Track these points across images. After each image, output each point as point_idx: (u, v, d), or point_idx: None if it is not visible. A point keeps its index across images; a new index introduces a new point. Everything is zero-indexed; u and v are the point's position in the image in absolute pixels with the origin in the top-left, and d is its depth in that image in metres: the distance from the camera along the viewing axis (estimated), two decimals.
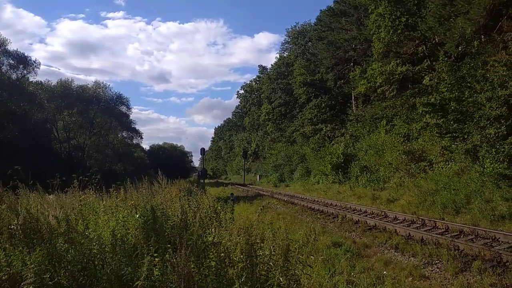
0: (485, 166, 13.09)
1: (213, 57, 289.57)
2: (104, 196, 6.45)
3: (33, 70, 43.35)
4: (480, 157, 13.75)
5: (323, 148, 30.36)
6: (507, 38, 14.69)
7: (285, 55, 61.47)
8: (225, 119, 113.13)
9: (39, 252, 3.46)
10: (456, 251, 8.30)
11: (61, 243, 3.80)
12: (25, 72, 42.75)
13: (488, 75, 14.35)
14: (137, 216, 4.46)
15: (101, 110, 53.74)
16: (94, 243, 3.79)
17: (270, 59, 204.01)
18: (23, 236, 3.83)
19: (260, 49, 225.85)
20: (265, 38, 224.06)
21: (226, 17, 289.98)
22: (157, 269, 3.34)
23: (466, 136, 14.99)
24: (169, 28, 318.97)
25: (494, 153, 12.93)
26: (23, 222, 3.86)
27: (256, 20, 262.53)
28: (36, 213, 4.39)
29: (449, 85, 16.18)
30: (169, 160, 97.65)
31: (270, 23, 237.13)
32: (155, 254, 3.50)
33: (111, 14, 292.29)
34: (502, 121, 13.20)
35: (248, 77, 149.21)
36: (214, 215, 5.42)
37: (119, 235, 3.99)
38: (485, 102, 13.77)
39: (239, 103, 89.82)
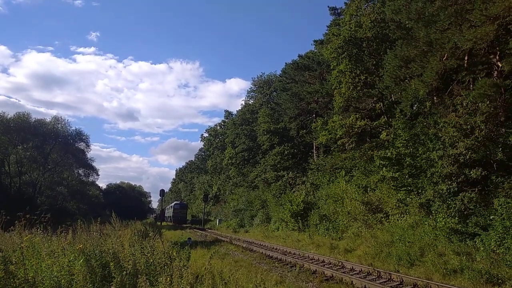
0: (438, 221, 13.58)
1: (183, 98, 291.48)
2: (51, 237, 6.06)
3: None
4: (433, 211, 14.26)
5: (284, 195, 30.41)
6: (456, 102, 15.79)
7: (250, 102, 62.92)
8: (188, 161, 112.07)
9: None
10: None
11: None
12: None
13: (440, 135, 15.24)
14: (81, 261, 4.18)
15: (58, 146, 51.85)
16: None
17: (239, 105, 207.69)
18: None
19: (231, 94, 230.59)
20: (236, 84, 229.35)
21: (201, 59, 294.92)
22: None
23: (420, 191, 15.55)
24: (140, 67, 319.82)
25: (446, 208, 13.48)
26: None
27: (230, 65, 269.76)
28: None
29: (405, 141, 16.98)
30: (126, 200, 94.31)
31: (242, 70, 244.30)
32: None
33: (81, 49, 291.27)
34: (453, 178, 13.91)
35: (217, 121, 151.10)
36: (168, 262, 5.20)
37: (63, 281, 3.72)
38: (437, 159, 14.53)
39: (202, 146, 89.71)
